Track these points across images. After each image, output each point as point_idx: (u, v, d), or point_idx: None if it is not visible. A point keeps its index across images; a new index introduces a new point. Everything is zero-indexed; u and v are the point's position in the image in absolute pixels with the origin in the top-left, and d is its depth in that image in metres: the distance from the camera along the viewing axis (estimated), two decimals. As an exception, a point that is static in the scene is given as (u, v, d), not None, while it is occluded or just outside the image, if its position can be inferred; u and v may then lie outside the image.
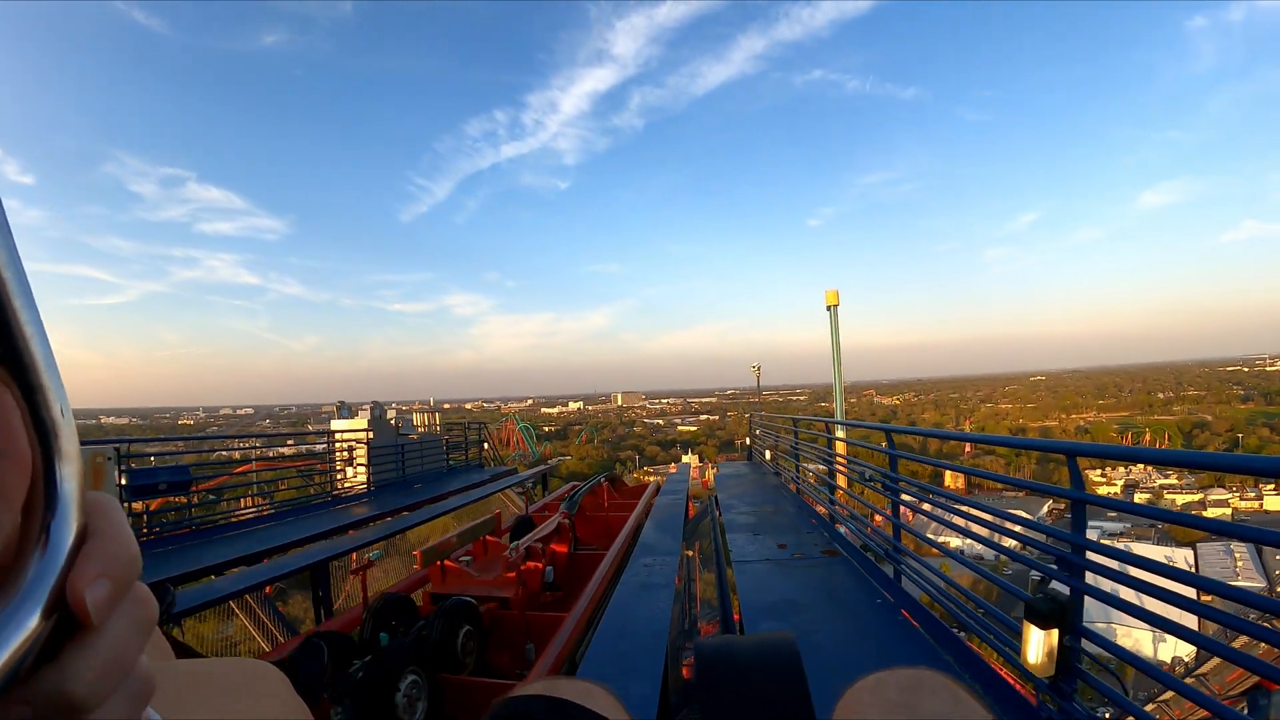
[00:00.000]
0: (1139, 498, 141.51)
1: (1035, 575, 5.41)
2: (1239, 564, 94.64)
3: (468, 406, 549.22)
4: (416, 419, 27.58)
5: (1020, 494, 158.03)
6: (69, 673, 0.33)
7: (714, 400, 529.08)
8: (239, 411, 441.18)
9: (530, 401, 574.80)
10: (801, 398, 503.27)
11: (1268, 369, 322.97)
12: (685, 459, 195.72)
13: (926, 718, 1.15)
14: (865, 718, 1.21)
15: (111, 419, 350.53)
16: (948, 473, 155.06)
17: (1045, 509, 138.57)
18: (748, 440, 22.38)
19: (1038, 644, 4.48)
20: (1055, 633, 4.50)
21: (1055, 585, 5.11)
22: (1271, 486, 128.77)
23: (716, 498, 14.53)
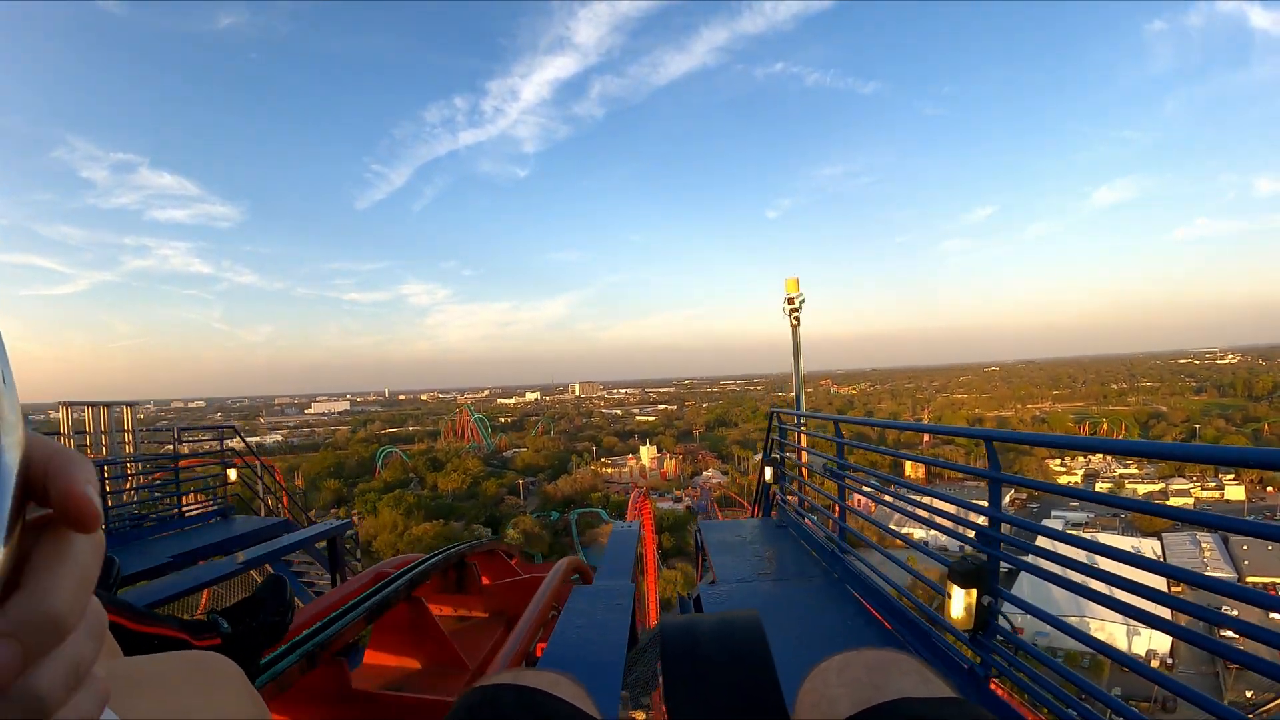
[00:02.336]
0: (1100, 487, 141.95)
1: (1005, 567, 6.00)
2: (1206, 554, 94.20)
3: (423, 397, 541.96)
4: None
5: (981, 483, 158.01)
6: (48, 590, 0.36)
7: (672, 390, 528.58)
8: (190, 404, 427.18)
9: (487, 392, 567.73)
10: (759, 387, 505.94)
11: (1219, 362, 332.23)
12: (644, 450, 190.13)
13: (893, 695, 1.17)
14: (832, 695, 1.24)
15: (55, 414, 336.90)
16: (907, 464, 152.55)
17: (1008, 499, 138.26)
18: (766, 475, 12.34)
19: (959, 601, 5.30)
20: (974, 592, 5.24)
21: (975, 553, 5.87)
22: (1231, 477, 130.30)
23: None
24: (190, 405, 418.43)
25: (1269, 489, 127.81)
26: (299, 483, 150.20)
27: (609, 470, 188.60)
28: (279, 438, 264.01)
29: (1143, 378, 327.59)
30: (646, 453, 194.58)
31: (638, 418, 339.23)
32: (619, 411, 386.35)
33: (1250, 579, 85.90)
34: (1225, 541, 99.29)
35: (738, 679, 1.48)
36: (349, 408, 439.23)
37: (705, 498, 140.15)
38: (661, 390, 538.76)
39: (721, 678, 1.48)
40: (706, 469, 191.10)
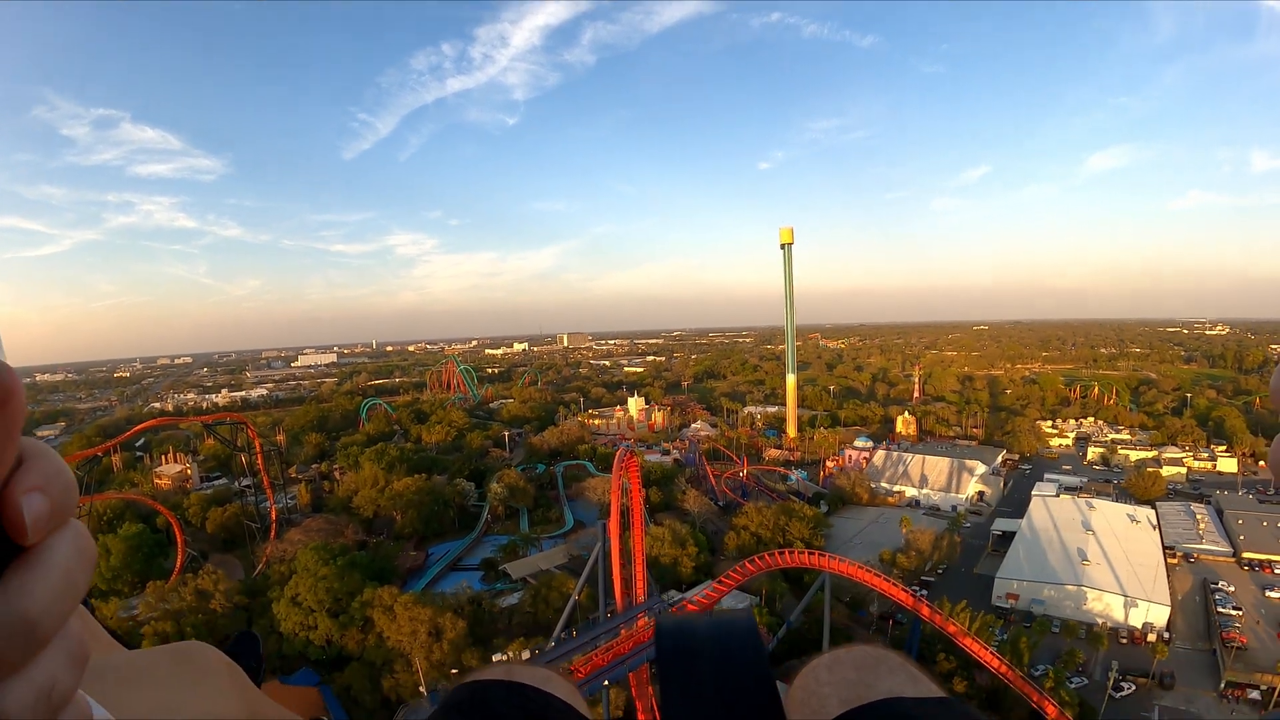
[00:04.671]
0: (1092, 452, 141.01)
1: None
2: (1201, 526, 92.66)
3: (410, 349, 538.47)
4: None
5: (974, 443, 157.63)
6: (20, 591, 0.34)
7: (660, 341, 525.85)
8: (177, 360, 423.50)
9: (474, 343, 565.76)
10: (748, 339, 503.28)
11: (1208, 333, 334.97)
12: (632, 401, 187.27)
13: (883, 695, 1.21)
14: (821, 694, 1.28)
15: (46, 376, 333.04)
16: (899, 420, 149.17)
17: (999, 459, 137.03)
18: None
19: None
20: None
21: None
22: (1224, 448, 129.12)
23: None
24: (177, 361, 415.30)
25: (1260, 463, 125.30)
26: (280, 438, 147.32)
27: (596, 422, 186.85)
28: (264, 391, 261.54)
29: (1132, 344, 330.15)
30: (634, 404, 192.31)
31: (626, 369, 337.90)
32: (607, 362, 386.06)
33: (1246, 554, 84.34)
34: (1220, 515, 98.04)
35: (732, 679, 1.47)
36: (336, 360, 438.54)
37: (693, 450, 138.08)
38: (650, 341, 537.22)
39: (716, 678, 1.47)
40: (695, 421, 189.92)
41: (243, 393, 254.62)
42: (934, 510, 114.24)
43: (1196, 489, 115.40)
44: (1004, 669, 49.16)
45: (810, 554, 55.23)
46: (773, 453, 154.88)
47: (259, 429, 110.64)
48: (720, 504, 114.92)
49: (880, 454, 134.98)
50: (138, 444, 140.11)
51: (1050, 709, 46.69)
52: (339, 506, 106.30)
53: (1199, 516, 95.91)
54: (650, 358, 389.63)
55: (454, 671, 49.41)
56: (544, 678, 1.39)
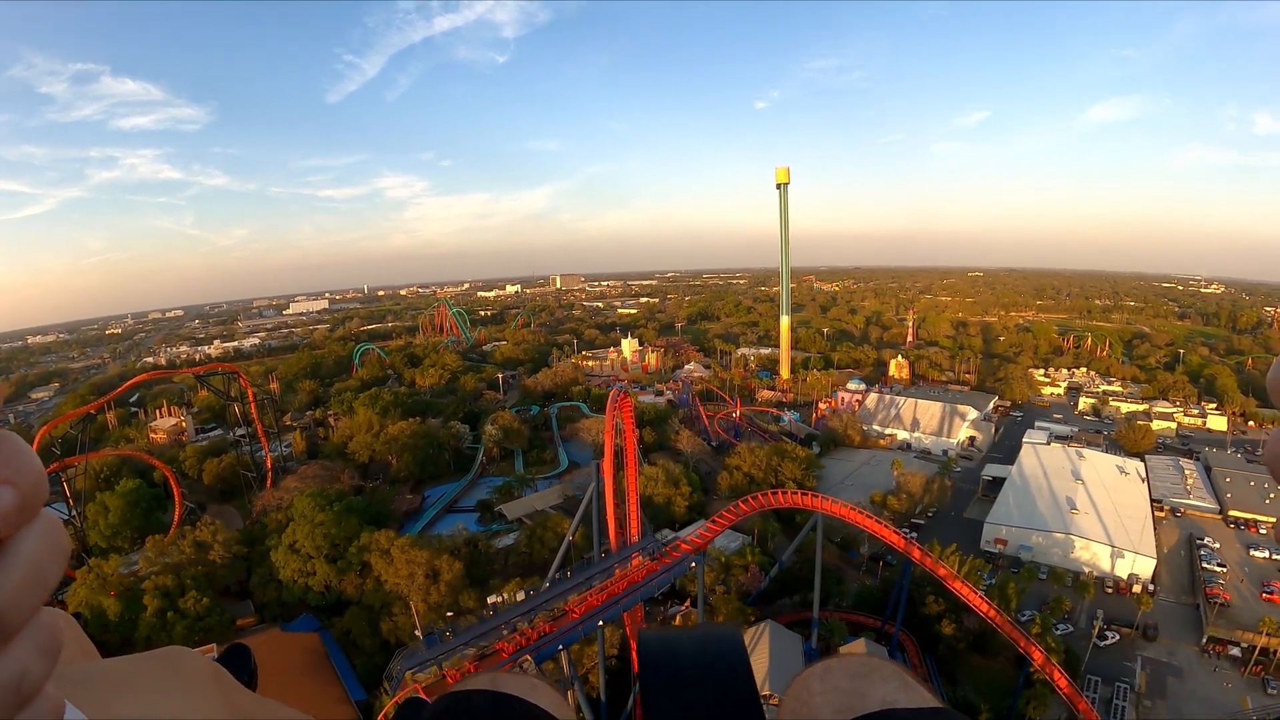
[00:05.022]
0: (1084, 402, 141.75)
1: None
2: (1189, 481, 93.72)
3: (403, 293, 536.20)
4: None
5: (966, 388, 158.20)
6: None
7: (654, 283, 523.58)
8: (169, 314, 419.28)
9: (466, 285, 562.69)
10: (741, 281, 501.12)
11: (1202, 290, 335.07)
12: (625, 343, 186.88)
13: (876, 706, 1.20)
14: (813, 704, 1.27)
15: (39, 338, 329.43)
16: (893, 363, 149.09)
17: (991, 405, 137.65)
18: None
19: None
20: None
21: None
22: (1214, 406, 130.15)
23: None
24: (168, 315, 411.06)
25: (1250, 423, 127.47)
26: (274, 386, 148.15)
27: (590, 364, 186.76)
28: (257, 340, 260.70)
29: (1126, 296, 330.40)
30: (628, 345, 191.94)
31: (619, 310, 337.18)
32: (600, 304, 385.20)
33: (1233, 512, 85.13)
34: (1208, 472, 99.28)
35: (718, 696, 1.45)
36: (328, 306, 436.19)
37: (687, 391, 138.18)
38: (644, 283, 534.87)
39: (701, 695, 1.45)
40: (688, 362, 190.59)
41: (235, 343, 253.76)
42: (925, 454, 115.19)
43: (1186, 445, 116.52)
44: (992, 613, 49.84)
45: (803, 494, 55.41)
46: (766, 394, 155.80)
47: (252, 378, 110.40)
48: (713, 444, 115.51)
49: (873, 397, 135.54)
50: (132, 400, 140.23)
51: (1037, 655, 47.53)
52: (334, 453, 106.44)
53: (1188, 472, 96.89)
54: (644, 299, 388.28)
55: (449, 614, 49.83)
56: (529, 687, 1.38)
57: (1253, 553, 76.46)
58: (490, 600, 38.16)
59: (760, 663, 53.76)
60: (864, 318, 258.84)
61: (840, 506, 52.98)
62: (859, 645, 56.62)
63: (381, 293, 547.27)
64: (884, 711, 1.24)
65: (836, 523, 68.14)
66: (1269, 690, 55.63)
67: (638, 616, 46.28)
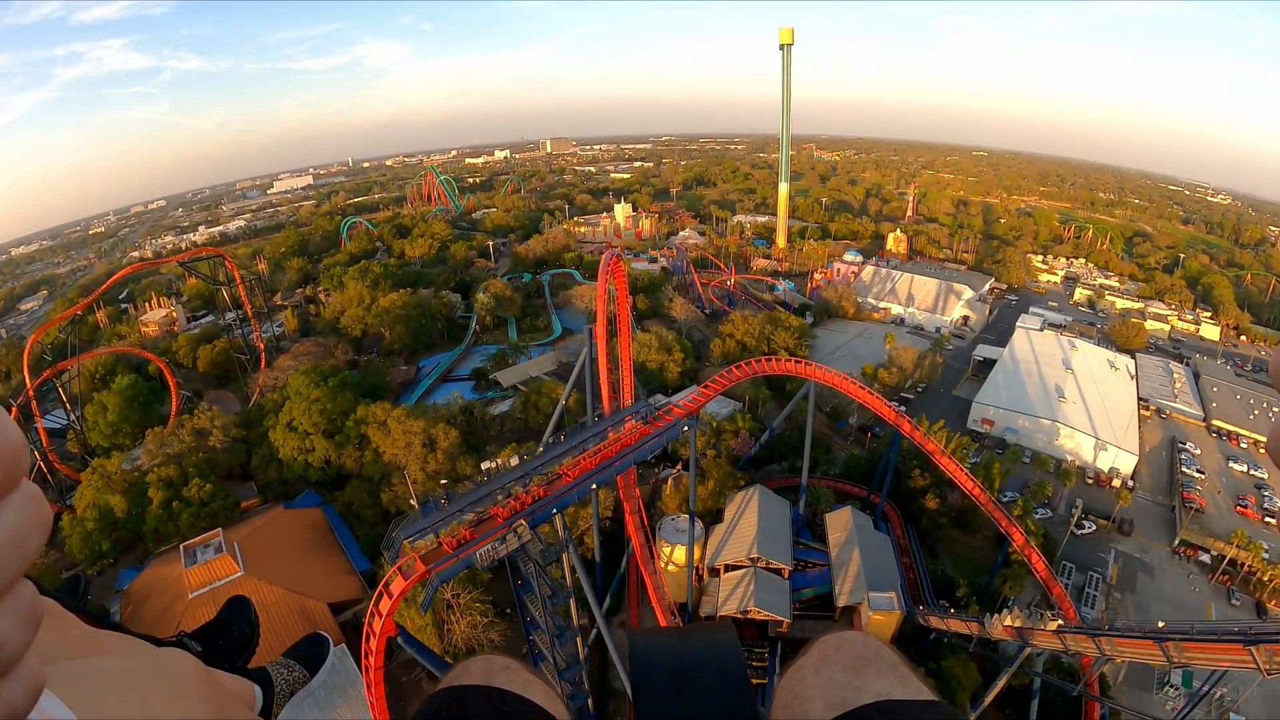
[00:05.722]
0: (1079, 293, 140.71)
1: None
2: (1177, 385, 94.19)
3: (388, 163, 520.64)
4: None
5: (963, 267, 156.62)
6: None
7: (648, 147, 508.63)
8: (151, 206, 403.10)
9: (454, 153, 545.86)
10: (740, 147, 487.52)
11: (1209, 198, 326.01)
12: (618, 208, 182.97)
13: (870, 698, 1.23)
14: (808, 697, 1.29)
15: (21, 249, 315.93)
16: (890, 237, 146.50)
17: (987, 286, 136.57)
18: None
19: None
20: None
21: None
22: (1209, 315, 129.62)
23: None
24: (151, 207, 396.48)
25: (1243, 338, 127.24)
26: (262, 267, 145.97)
27: (582, 230, 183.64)
28: (242, 223, 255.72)
29: (1131, 194, 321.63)
30: (621, 211, 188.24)
31: (612, 175, 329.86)
32: (592, 168, 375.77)
33: (1216, 421, 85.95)
34: (1196, 378, 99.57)
35: (711, 699, 1.45)
36: (312, 182, 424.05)
37: (681, 258, 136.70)
38: (638, 147, 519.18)
39: (694, 697, 1.46)
40: (683, 229, 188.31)
41: (220, 227, 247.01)
42: (918, 330, 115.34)
43: (1177, 348, 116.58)
44: (977, 491, 50.51)
45: (796, 362, 54.94)
46: (761, 262, 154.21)
47: (239, 261, 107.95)
48: (707, 312, 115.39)
49: (869, 270, 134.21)
50: (121, 296, 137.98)
51: (1017, 536, 48.48)
52: (326, 328, 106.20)
53: (1176, 375, 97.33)
54: (638, 164, 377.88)
55: (444, 483, 50.11)
56: (523, 682, 1.38)
57: (1231, 464, 77.91)
58: (484, 466, 37.85)
59: (749, 526, 55.08)
60: (864, 189, 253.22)
61: (833, 375, 52.62)
62: (845, 513, 58.05)
63: (367, 164, 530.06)
64: (879, 704, 1.26)
65: (827, 392, 68.38)
66: (1233, 601, 57.86)
67: (631, 479, 46.68)
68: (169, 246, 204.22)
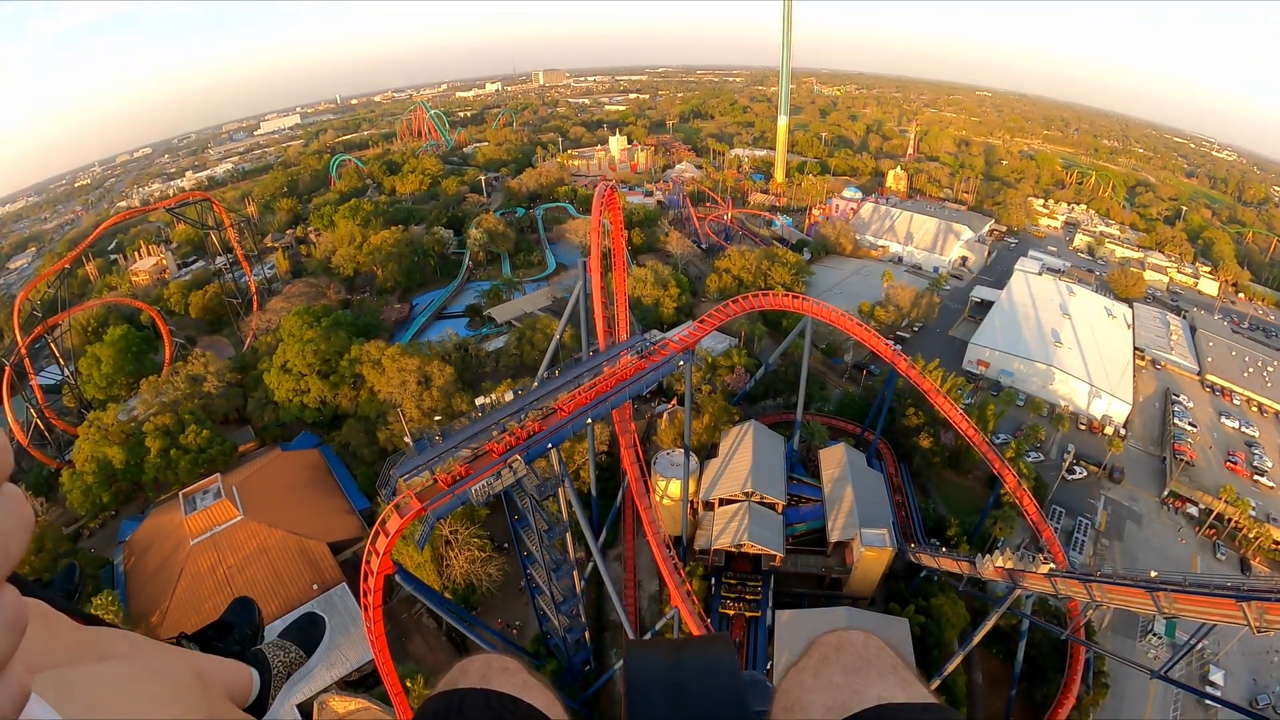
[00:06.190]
0: (1079, 240, 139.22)
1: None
2: (1174, 337, 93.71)
3: (377, 99, 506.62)
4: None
5: (963, 208, 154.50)
6: None
7: (644, 78, 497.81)
8: (136, 154, 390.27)
9: (444, 86, 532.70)
10: (738, 79, 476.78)
11: (1214, 153, 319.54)
12: (613, 141, 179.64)
13: (871, 703, 1.21)
14: (807, 701, 1.28)
15: (6, 207, 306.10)
16: (891, 174, 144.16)
17: (986, 228, 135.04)
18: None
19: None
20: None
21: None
22: (1209, 270, 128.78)
23: None
24: (137, 155, 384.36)
25: (1241, 295, 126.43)
26: (250, 209, 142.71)
27: (576, 163, 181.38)
28: (230, 165, 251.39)
29: (1136, 143, 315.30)
30: (616, 143, 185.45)
31: (607, 107, 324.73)
32: (586, 101, 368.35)
33: (1210, 376, 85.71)
34: (1192, 332, 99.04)
35: (707, 708, 1.43)
36: (300, 121, 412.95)
37: (677, 192, 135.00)
38: (633, 78, 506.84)
39: (689, 708, 1.42)
40: (679, 162, 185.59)
41: (208, 171, 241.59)
42: (916, 269, 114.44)
43: (1175, 301, 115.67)
44: (971, 432, 50.43)
45: (792, 297, 54.07)
46: (758, 197, 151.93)
47: (227, 205, 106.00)
48: (703, 247, 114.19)
49: (868, 207, 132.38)
50: (110, 247, 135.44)
51: (1009, 477, 48.56)
52: (318, 269, 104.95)
53: (1173, 327, 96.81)
54: (633, 96, 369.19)
55: (438, 418, 49.80)
56: (522, 684, 1.37)
57: (1224, 420, 78.11)
58: (479, 402, 37.34)
59: (743, 461, 55.25)
60: (864, 125, 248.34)
61: (830, 311, 51.93)
62: (839, 449, 58.24)
63: (355, 101, 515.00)
64: (880, 708, 1.25)
65: (823, 329, 67.95)
66: (1218, 555, 58.65)
67: (627, 414, 46.36)
68: (156, 194, 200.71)
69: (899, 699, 1.26)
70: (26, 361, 70.81)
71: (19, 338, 71.07)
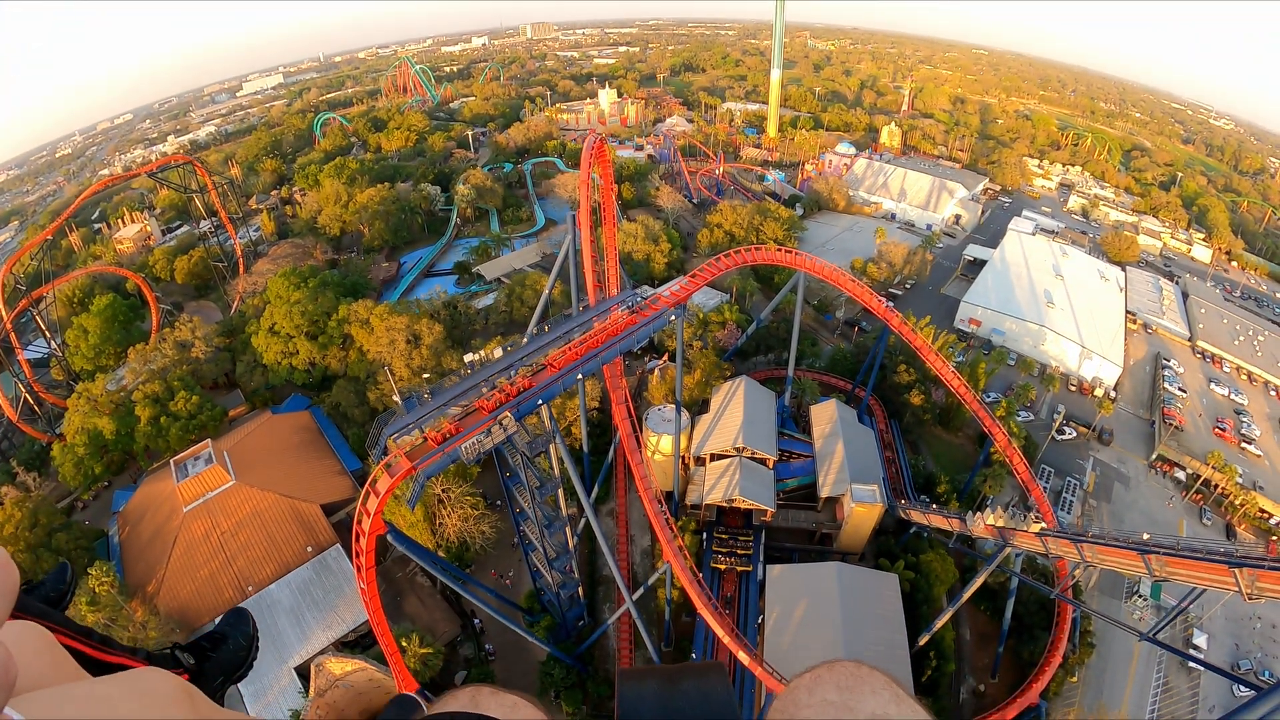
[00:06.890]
0: (1074, 201, 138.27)
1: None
2: (1166, 303, 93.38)
3: (361, 56, 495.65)
4: None
5: (957, 165, 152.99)
6: None
7: (634, 31, 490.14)
8: (118, 121, 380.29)
9: (429, 41, 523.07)
10: (730, 32, 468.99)
11: (1212, 121, 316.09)
12: (603, 94, 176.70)
13: (864, 718, 1.22)
14: (801, 718, 1.27)
15: None
16: (885, 130, 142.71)
17: (980, 186, 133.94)
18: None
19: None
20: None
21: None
22: (1203, 237, 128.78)
23: None
24: (118, 122, 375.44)
25: (1234, 263, 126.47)
26: (234, 171, 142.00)
27: (565, 117, 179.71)
28: (213, 128, 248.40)
29: (1133, 107, 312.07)
30: (606, 97, 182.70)
31: (596, 60, 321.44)
32: (575, 54, 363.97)
33: (1201, 343, 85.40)
34: (1185, 298, 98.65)
35: None
36: (282, 80, 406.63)
37: (668, 146, 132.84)
38: (623, 31, 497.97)
39: None
40: (671, 116, 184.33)
41: (190, 135, 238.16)
42: (909, 226, 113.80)
43: (1168, 266, 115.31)
44: (962, 389, 50.41)
45: (785, 252, 53.38)
46: (751, 152, 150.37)
47: (211, 168, 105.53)
48: (694, 201, 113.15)
49: (861, 163, 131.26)
50: (93, 217, 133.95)
51: (999, 435, 48.63)
52: (304, 229, 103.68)
53: (1165, 292, 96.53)
54: (623, 49, 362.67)
55: (426, 376, 49.35)
56: (511, 705, 1.35)
57: (1213, 387, 78.28)
58: (468, 359, 36.77)
59: (735, 416, 55.17)
60: (859, 81, 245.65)
61: (822, 266, 51.41)
62: (830, 405, 58.18)
63: (339, 59, 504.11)
64: None
65: (815, 285, 67.45)
66: (1204, 520, 59.20)
67: (618, 370, 46.02)
68: (138, 160, 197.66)
69: (893, 715, 1.26)
70: (13, 336, 70.40)
71: (3, 313, 70.09)
